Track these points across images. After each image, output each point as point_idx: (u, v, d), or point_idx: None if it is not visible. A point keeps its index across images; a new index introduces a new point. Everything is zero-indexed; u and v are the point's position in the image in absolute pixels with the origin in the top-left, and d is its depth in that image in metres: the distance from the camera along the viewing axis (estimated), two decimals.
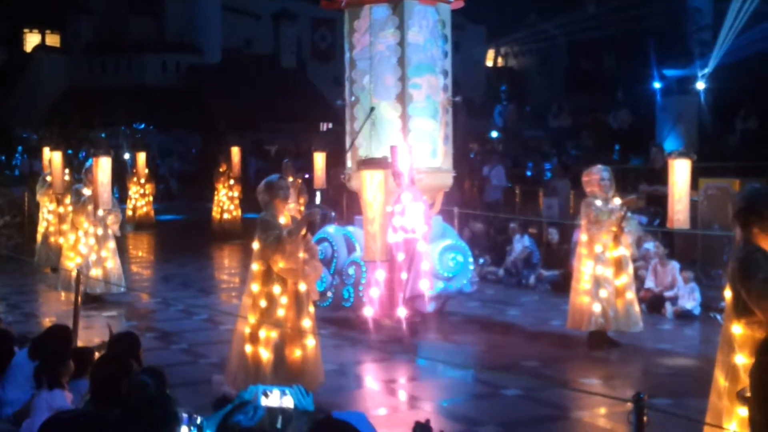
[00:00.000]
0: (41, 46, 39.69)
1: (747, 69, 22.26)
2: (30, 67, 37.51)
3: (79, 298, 7.87)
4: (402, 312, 9.44)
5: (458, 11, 10.88)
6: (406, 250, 9.43)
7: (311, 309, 7.05)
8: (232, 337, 7.24)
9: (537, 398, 7.66)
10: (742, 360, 4.29)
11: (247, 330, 6.88)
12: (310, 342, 6.93)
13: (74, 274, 10.88)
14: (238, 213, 19.58)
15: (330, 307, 10.63)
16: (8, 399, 6.06)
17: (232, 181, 19.36)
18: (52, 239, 14.46)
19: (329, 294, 10.66)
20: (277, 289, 6.81)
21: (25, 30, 40.48)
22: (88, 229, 11.74)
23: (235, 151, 18.77)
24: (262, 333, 6.84)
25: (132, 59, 38.13)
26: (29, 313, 11.61)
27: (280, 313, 6.84)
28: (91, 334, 9.23)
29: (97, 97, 33.98)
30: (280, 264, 6.71)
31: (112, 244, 11.88)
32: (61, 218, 14.32)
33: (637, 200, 9.32)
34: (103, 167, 10.96)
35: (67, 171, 14.47)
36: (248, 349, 6.86)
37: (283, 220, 6.94)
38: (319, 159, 14.44)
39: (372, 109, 10.07)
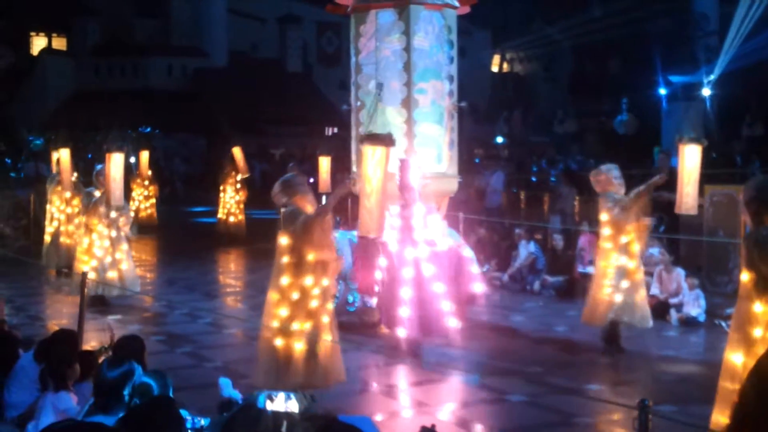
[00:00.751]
0: (48, 49, 39.79)
1: (752, 75, 22.26)
2: (36, 70, 37.59)
3: (85, 301, 7.88)
4: (453, 322, 9.40)
5: (464, 16, 10.88)
6: (450, 259, 9.47)
7: (329, 305, 7.12)
8: (258, 335, 7.28)
9: (542, 404, 7.65)
10: (760, 333, 4.62)
11: (276, 324, 6.90)
12: (328, 337, 6.98)
13: (90, 276, 11.05)
14: (243, 216, 19.60)
15: (334, 312, 10.62)
16: (13, 401, 6.07)
17: (238, 185, 19.39)
18: (61, 239, 14.48)
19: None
20: (309, 280, 6.86)
21: (32, 33, 40.55)
22: (102, 231, 11.70)
23: (237, 150, 18.66)
24: (295, 325, 6.86)
25: (138, 62, 38.21)
26: (34, 315, 11.63)
27: (313, 304, 6.90)
28: (101, 336, 9.24)
29: (103, 100, 34.04)
30: (313, 247, 6.79)
31: (125, 245, 11.91)
32: (69, 219, 14.38)
33: (660, 178, 9.34)
34: (115, 163, 11.02)
35: (75, 174, 14.49)
36: (279, 343, 6.88)
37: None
38: (324, 163, 14.45)
39: (380, 85, 10.02)
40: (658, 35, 27.29)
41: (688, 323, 10.91)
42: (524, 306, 12.53)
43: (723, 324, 10.53)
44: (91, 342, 7.93)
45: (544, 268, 13.80)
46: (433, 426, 4.31)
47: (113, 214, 11.63)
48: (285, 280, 6.89)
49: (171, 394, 5.04)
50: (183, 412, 4.68)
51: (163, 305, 12.30)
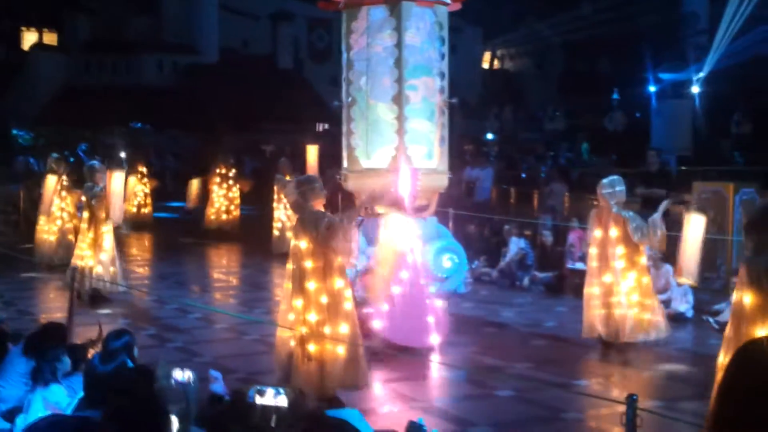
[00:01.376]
0: (39, 45, 39.65)
1: (742, 73, 22.34)
2: (27, 66, 37.47)
3: (75, 294, 7.89)
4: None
5: (455, 13, 10.90)
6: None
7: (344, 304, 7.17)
8: (277, 343, 7.29)
9: (530, 399, 7.69)
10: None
11: (305, 330, 6.82)
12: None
13: (97, 271, 11.08)
14: (237, 213, 19.66)
15: None
16: (2, 395, 6.07)
17: (230, 181, 19.44)
18: (52, 237, 14.71)
19: None
20: (340, 283, 6.89)
21: (23, 28, 40.43)
22: (107, 223, 11.74)
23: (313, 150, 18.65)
24: (327, 329, 6.84)
25: (129, 59, 38.11)
26: (24, 310, 11.61)
27: (348, 306, 6.93)
28: (90, 330, 9.24)
29: (94, 96, 33.96)
30: (340, 249, 6.81)
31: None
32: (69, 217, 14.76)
33: (669, 203, 9.56)
34: (116, 180, 11.23)
35: (64, 177, 14.67)
36: (312, 348, 6.86)
37: None
38: (312, 151, 14.51)
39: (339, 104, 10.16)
40: (648, 33, 27.38)
41: (676, 319, 10.96)
42: (513, 301, 12.58)
43: (711, 320, 10.61)
44: (81, 336, 7.94)
45: (534, 264, 13.86)
46: (420, 420, 4.36)
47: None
48: (312, 284, 6.85)
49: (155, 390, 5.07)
50: (168, 409, 4.70)
51: (153, 300, 12.31)
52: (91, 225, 11.78)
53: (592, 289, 9.49)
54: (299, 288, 6.90)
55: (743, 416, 2.02)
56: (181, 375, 5.02)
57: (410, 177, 9.48)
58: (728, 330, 5.01)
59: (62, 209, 14.77)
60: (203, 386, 5.70)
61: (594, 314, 9.44)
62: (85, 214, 11.96)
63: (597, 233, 9.53)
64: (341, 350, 6.91)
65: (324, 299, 6.84)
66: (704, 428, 2.14)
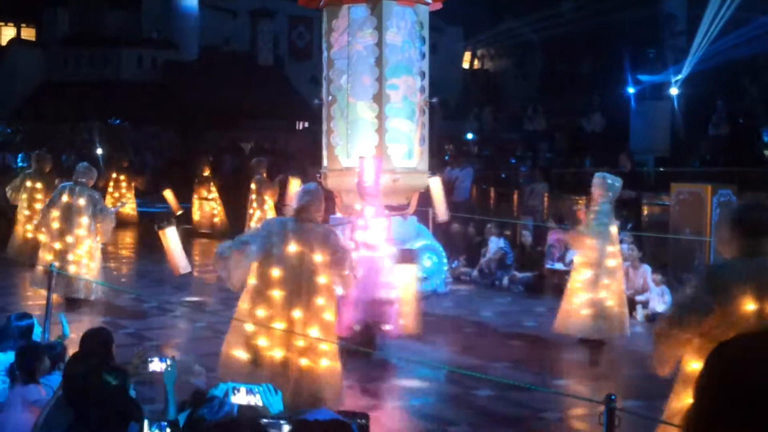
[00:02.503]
0: (16, 40, 39.35)
1: (719, 76, 22.52)
2: (5, 61, 37.16)
3: (53, 294, 7.84)
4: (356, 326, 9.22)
5: (436, 13, 10.92)
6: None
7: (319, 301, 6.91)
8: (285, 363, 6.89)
9: (509, 399, 7.72)
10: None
11: (302, 344, 6.61)
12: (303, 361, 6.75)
13: (89, 276, 10.84)
14: (222, 211, 19.70)
15: None
16: None
17: (212, 185, 19.52)
18: (28, 235, 14.45)
19: None
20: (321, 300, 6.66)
21: (0, 23, 40.10)
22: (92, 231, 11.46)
23: (168, 193, 18.87)
24: (324, 346, 6.65)
25: (108, 54, 37.88)
26: (1, 308, 11.52)
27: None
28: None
29: (72, 91, 33.74)
30: (345, 278, 6.72)
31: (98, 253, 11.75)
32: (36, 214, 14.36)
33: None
34: (171, 237, 11.13)
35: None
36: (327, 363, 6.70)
37: None
38: (294, 184, 14.73)
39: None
40: (627, 34, 27.54)
41: (654, 319, 11.03)
42: (493, 301, 12.61)
43: None
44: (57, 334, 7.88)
45: (513, 264, 13.91)
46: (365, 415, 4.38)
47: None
48: (321, 300, 6.58)
49: (132, 392, 5.06)
50: (139, 407, 4.70)
51: (132, 298, 12.23)
52: (90, 235, 11.44)
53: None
54: (301, 300, 6.55)
55: (720, 418, 2.04)
56: (159, 364, 5.02)
57: (374, 165, 9.44)
58: None
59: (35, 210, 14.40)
60: (186, 379, 5.68)
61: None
62: (84, 220, 11.63)
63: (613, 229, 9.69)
64: (324, 365, 6.68)
65: (328, 316, 6.61)
66: (682, 429, 2.15)
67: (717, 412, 2.02)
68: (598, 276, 9.47)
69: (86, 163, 12.17)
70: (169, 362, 5.03)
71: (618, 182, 9.83)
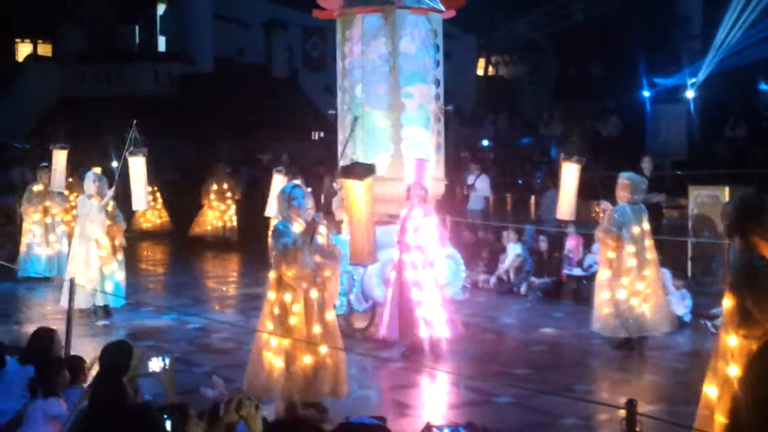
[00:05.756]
0: (33, 56, 39.63)
1: (736, 77, 22.39)
2: (21, 77, 37.44)
3: (74, 307, 7.87)
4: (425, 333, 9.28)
5: (450, 20, 10.93)
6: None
7: (329, 315, 7.12)
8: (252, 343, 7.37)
9: (529, 405, 7.69)
10: (736, 372, 4.13)
11: (265, 337, 7.01)
12: (323, 349, 6.96)
13: (88, 287, 10.81)
14: (234, 223, 19.92)
15: None
16: (0, 408, 6.05)
17: (228, 194, 19.78)
18: (37, 249, 14.61)
19: None
20: (288, 297, 6.91)
21: (17, 39, 40.40)
22: (99, 240, 11.33)
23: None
24: (274, 341, 6.93)
25: (123, 69, 38.08)
26: (20, 322, 11.59)
27: (292, 321, 6.93)
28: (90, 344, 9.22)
29: (88, 106, 33.93)
30: (288, 273, 6.86)
31: (120, 255, 11.62)
32: (48, 228, 14.63)
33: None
34: (135, 167, 11.30)
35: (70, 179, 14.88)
36: (267, 356, 6.98)
37: (297, 227, 7.03)
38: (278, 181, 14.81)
39: (356, 118, 10.04)
40: (641, 38, 27.44)
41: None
42: (511, 308, 12.58)
43: (708, 324, 10.61)
44: (77, 349, 7.91)
45: (531, 270, 13.86)
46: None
47: (107, 222, 11.34)
48: (271, 295, 7.07)
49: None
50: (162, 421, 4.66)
51: (151, 311, 12.25)
52: (81, 240, 11.38)
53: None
54: (265, 296, 7.10)
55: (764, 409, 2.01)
56: (157, 363, 5.04)
57: (423, 167, 9.55)
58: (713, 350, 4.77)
59: (35, 222, 14.70)
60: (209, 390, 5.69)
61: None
62: (90, 228, 11.61)
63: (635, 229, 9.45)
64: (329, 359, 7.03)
65: (276, 310, 6.96)
66: (726, 424, 2.11)
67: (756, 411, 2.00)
68: (617, 276, 9.39)
69: (90, 172, 12.12)
70: (167, 361, 5.04)
71: (644, 184, 9.78)
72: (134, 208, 11.74)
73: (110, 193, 11.40)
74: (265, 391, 6.88)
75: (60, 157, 14.10)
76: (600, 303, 9.49)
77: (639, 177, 9.92)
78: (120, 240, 11.61)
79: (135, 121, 11.54)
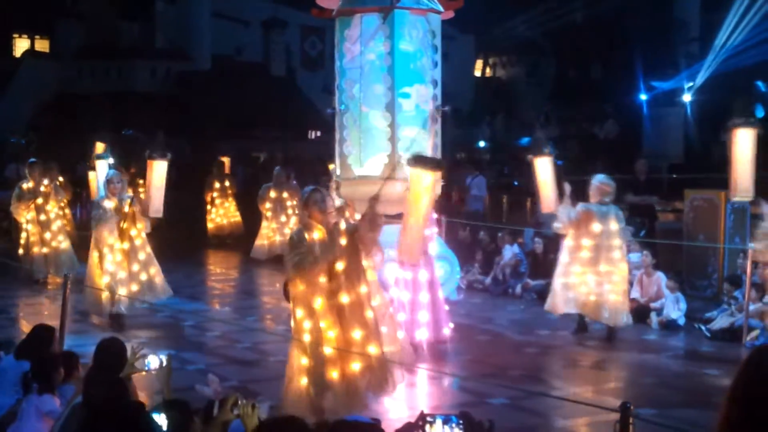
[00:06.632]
0: (30, 52, 39.59)
1: (733, 81, 22.41)
2: (19, 73, 37.40)
3: (67, 304, 7.87)
4: (423, 335, 9.36)
5: (448, 21, 10.93)
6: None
7: (369, 314, 6.74)
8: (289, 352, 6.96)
9: (523, 407, 7.70)
10: None
11: (303, 362, 6.65)
12: (372, 350, 6.69)
13: (104, 294, 10.47)
14: (237, 220, 20.04)
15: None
16: None
17: (229, 191, 19.99)
18: (35, 249, 14.09)
19: None
20: (310, 323, 6.57)
21: (15, 35, 40.34)
22: (113, 245, 10.73)
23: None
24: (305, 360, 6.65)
25: (121, 65, 38.05)
26: (16, 317, 11.58)
27: (329, 334, 6.59)
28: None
29: (86, 102, 33.89)
30: (300, 287, 6.55)
31: (142, 255, 10.95)
32: (44, 226, 14.04)
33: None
34: (158, 171, 10.63)
35: (49, 180, 14.23)
36: (303, 380, 6.66)
37: (317, 234, 6.68)
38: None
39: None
40: (639, 41, 27.47)
41: (668, 326, 11.00)
42: (506, 309, 12.59)
43: (702, 328, 10.64)
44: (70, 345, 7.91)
45: (526, 272, 13.87)
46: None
47: (123, 225, 10.72)
48: (297, 307, 6.83)
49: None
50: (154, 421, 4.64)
51: (144, 307, 12.22)
52: (95, 245, 10.80)
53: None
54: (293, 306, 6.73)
55: (755, 422, 2.01)
56: (155, 360, 5.04)
57: None
58: None
59: (29, 221, 14.10)
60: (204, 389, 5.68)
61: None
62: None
63: (596, 227, 10.25)
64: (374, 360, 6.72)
65: (370, 313, 6.70)
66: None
67: (753, 415, 2.00)
68: (571, 262, 10.38)
69: (112, 172, 11.41)
70: (164, 359, 5.05)
71: (611, 187, 10.50)
72: (150, 215, 10.76)
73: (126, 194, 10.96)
74: (314, 412, 6.48)
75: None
76: (555, 283, 10.52)
77: (608, 180, 10.53)
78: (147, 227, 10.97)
79: (160, 131, 10.95)
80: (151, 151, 10.85)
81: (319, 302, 6.58)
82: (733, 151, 9.46)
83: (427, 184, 7.93)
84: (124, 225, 10.76)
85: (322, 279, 6.60)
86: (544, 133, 18.39)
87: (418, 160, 8.10)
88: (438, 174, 8.18)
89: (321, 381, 6.56)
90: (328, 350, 6.54)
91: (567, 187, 10.37)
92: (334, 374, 6.58)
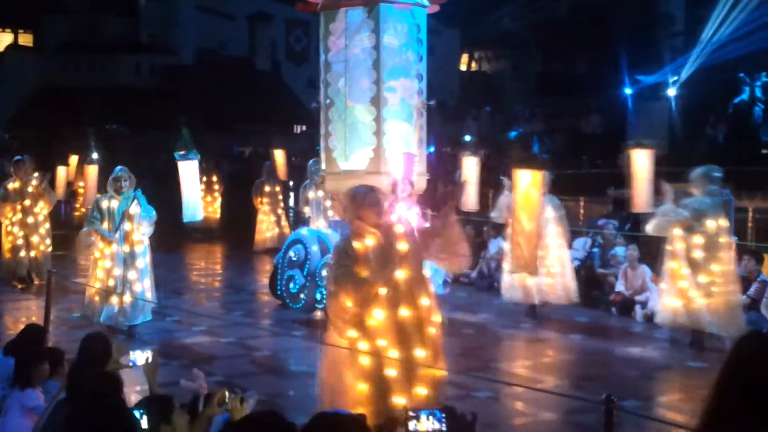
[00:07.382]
0: (14, 46, 39.38)
1: (717, 75, 22.51)
2: (2, 67, 37.20)
3: (51, 299, 7.84)
4: None
5: (433, 15, 10.93)
6: None
7: (432, 330, 5.91)
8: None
9: (508, 400, 7.72)
10: None
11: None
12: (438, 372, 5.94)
13: (96, 298, 9.88)
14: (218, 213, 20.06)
15: (302, 309, 10.72)
16: None
17: (216, 186, 19.94)
18: (22, 253, 13.16)
19: (302, 296, 10.83)
20: (374, 318, 5.64)
21: None
22: (104, 250, 10.04)
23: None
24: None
25: (106, 60, 37.90)
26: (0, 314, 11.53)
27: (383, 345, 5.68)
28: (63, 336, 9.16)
29: (70, 97, 33.74)
30: (345, 303, 5.55)
31: (140, 262, 10.05)
32: (31, 229, 13.14)
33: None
34: (187, 172, 9.99)
35: (36, 176, 13.21)
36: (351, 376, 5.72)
37: (370, 240, 5.65)
38: (279, 155, 16.44)
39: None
40: (624, 35, 27.56)
41: (653, 319, 11.04)
42: (491, 303, 12.60)
43: None
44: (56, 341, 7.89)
45: None
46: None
47: (128, 227, 9.89)
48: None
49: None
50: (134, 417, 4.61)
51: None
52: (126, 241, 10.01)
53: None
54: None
55: (741, 412, 2.02)
56: (140, 356, 5.03)
57: (405, 161, 9.58)
58: None
59: (13, 223, 13.15)
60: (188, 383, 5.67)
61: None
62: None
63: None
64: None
65: (432, 330, 5.95)
66: (699, 425, 2.12)
67: (739, 405, 2.00)
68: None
69: (120, 168, 10.33)
70: (150, 355, 5.03)
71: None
72: (185, 219, 10.24)
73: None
74: (355, 405, 5.60)
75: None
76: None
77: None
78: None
79: (183, 118, 10.34)
80: (181, 154, 10.29)
81: (376, 317, 5.62)
82: (632, 170, 9.75)
83: (534, 185, 7.71)
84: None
85: (382, 290, 5.62)
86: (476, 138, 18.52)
87: (523, 159, 7.84)
88: (543, 173, 7.84)
89: (386, 409, 5.64)
90: (391, 373, 5.61)
91: (667, 187, 9.61)
92: (400, 401, 5.63)
